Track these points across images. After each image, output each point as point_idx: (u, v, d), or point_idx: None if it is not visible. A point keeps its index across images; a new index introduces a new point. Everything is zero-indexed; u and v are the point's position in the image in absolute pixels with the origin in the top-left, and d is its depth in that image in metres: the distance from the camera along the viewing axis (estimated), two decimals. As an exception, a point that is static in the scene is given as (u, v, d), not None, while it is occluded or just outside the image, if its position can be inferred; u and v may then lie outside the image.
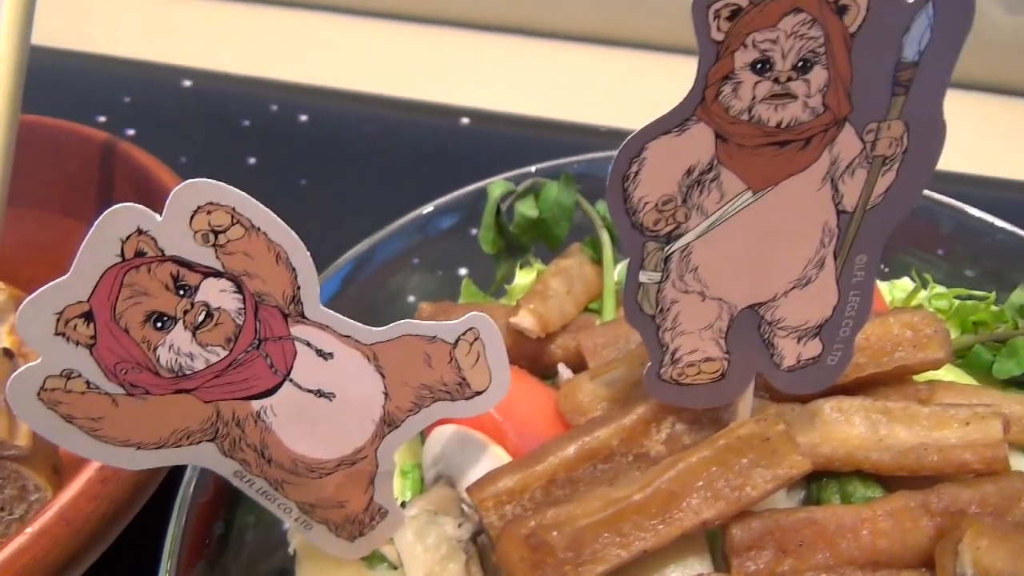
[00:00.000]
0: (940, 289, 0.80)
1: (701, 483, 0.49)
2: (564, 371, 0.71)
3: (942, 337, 0.60)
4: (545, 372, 0.75)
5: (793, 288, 0.50)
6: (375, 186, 1.36)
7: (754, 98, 0.43)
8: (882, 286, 0.85)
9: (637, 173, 0.46)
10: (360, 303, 0.90)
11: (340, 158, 1.40)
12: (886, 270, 0.92)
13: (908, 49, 0.41)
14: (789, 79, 0.42)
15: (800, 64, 0.42)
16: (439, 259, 0.96)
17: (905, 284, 0.84)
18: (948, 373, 0.71)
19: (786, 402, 0.60)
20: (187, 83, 1.57)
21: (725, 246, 0.48)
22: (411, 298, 0.98)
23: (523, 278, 0.84)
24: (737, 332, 0.52)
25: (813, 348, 0.52)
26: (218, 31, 1.75)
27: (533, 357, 0.74)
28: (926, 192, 0.93)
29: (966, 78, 1.40)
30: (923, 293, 0.81)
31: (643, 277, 0.50)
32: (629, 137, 0.45)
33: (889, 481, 0.56)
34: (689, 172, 0.46)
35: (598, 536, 0.48)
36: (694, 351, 0.52)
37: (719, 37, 0.41)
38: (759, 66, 0.42)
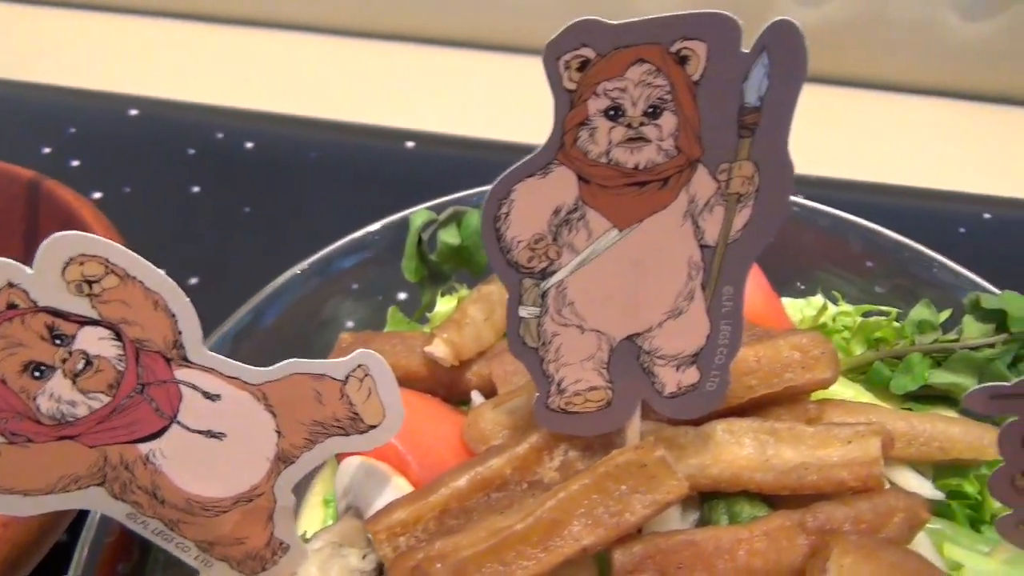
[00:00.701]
0: (846, 307, 0.83)
1: (582, 510, 0.51)
2: (477, 398, 0.73)
3: (830, 358, 0.63)
4: (462, 399, 0.76)
5: (667, 319, 0.52)
6: (320, 212, 1.37)
7: (610, 142, 0.45)
8: (796, 303, 0.88)
9: (507, 214, 0.48)
10: (295, 331, 0.91)
11: (285, 184, 1.41)
12: (802, 287, 0.95)
13: (749, 95, 0.43)
14: (641, 124, 0.44)
15: (650, 110, 0.44)
16: (374, 285, 0.98)
17: (817, 302, 0.87)
18: (848, 390, 0.74)
19: (683, 424, 0.62)
20: (133, 112, 1.57)
21: (598, 281, 0.50)
22: (350, 323, 0.99)
23: (444, 306, 0.85)
24: (618, 362, 0.54)
25: (691, 375, 0.54)
26: (165, 57, 1.75)
27: (450, 384, 0.76)
28: (840, 213, 0.97)
29: (926, 84, 1.45)
30: (833, 309, 0.84)
31: (523, 312, 0.52)
32: (497, 180, 0.47)
33: (775, 500, 0.58)
34: (556, 212, 0.48)
35: (481, 566, 0.49)
36: (578, 381, 0.54)
37: (571, 86, 0.43)
38: (612, 113, 0.44)
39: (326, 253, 0.92)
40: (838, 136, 1.42)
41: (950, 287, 0.83)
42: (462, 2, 1.60)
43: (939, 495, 0.62)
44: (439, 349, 0.73)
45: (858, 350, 0.79)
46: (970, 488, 0.63)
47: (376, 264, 0.94)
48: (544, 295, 0.51)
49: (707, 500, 0.60)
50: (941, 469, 0.64)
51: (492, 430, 0.63)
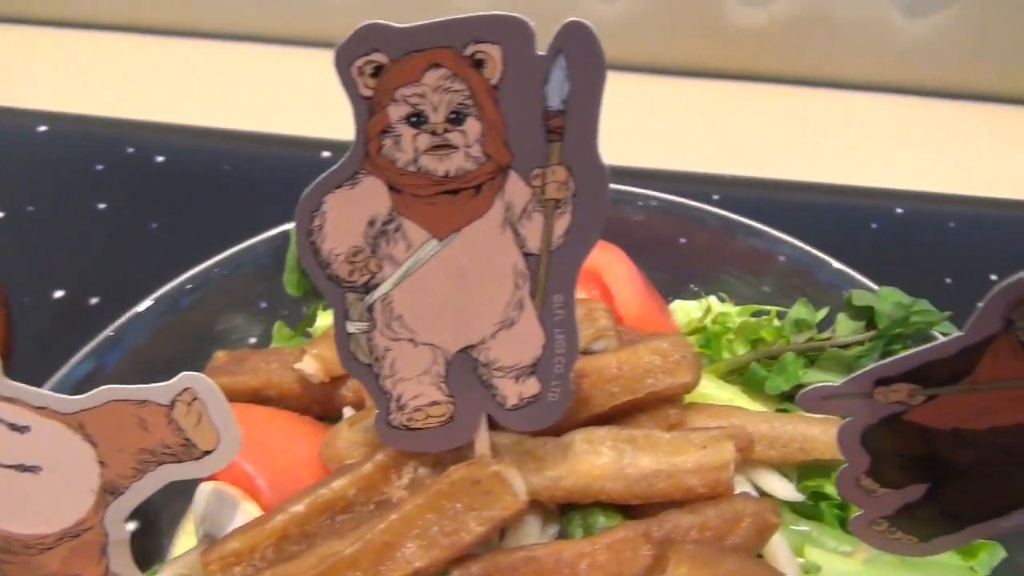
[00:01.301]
0: (730, 307, 0.83)
1: (416, 531, 0.49)
2: (348, 415, 0.71)
3: (690, 362, 0.62)
4: (338, 416, 0.74)
5: (499, 330, 0.50)
6: (232, 224, 1.34)
7: (417, 150, 0.44)
8: (686, 306, 0.87)
9: (321, 227, 0.46)
10: (196, 344, 0.89)
11: (196, 198, 1.37)
12: (696, 289, 0.95)
13: (552, 98, 0.42)
14: (446, 131, 0.43)
15: (453, 116, 0.43)
16: (275, 299, 0.95)
17: (711, 304, 0.86)
18: (724, 392, 0.73)
19: (544, 436, 0.61)
20: (42, 128, 1.52)
21: (423, 293, 0.48)
22: (252, 340, 0.97)
23: (325, 320, 0.83)
24: (456, 375, 0.52)
25: (532, 387, 0.53)
26: (76, 71, 1.70)
27: (324, 401, 0.73)
28: (731, 215, 0.97)
29: (872, 82, 1.46)
30: (717, 310, 0.83)
31: (350, 327, 0.50)
32: (305, 192, 0.45)
33: (632, 510, 0.57)
34: (372, 223, 0.46)
35: (307, 594, 0.47)
36: (418, 396, 0.53)
37: (368, 93, 0.42)
38: (414, 119, 0.43)
39: (210, 265, 0.90)
40: (785, 135, 1.43)
41: (832, 287, 0.83)
42: (376, 11, 1.58)
43: (799, 497, 0.61)
44: (308, 365, 0.70)
45: (741, 351, 0.78)
46: (831, 489, 0.62)
47: (262, 278, 0.92)
48: (370, 309, 0.49)
49: (565, 513, 0.58)
50: (807, 470, 0.64)
51: (348, 449, 0.60)
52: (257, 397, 0.73)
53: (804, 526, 0.63)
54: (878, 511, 0.54)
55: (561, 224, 0.47)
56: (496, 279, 0.48)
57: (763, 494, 0.63)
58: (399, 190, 0.45)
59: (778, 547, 0.57)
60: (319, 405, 0.74)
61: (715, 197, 1.26)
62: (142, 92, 1.63)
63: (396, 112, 0.42)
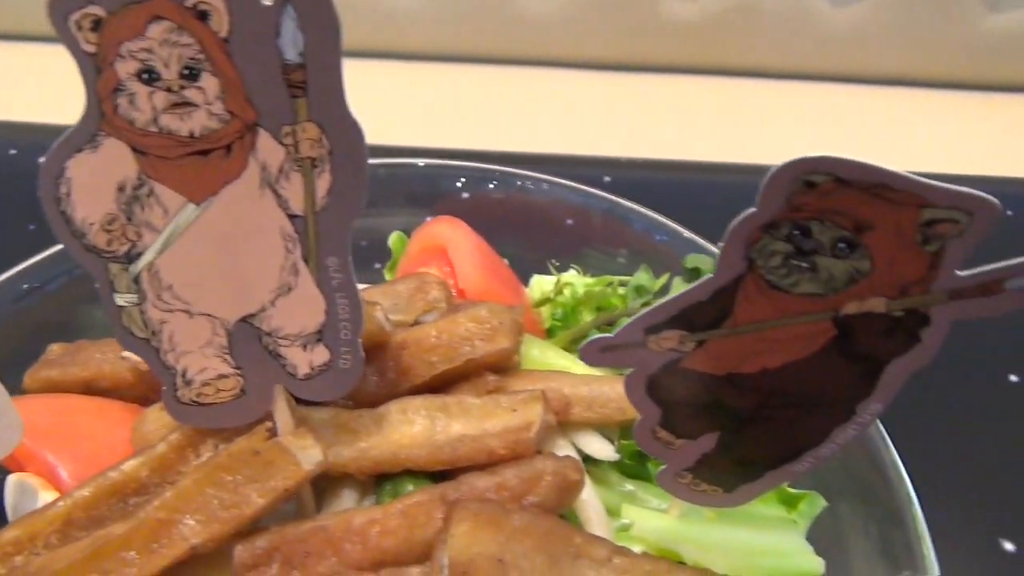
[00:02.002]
0: (582, 279, 0.83)
1: (195, 507, 0.48)
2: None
3: (508, 327, 0.62)
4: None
5: (278, 296, 0.49)
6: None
7: (155, 109, 0.42)
8: (542, 281, 0.87)
9: (68, 194, 0.44)
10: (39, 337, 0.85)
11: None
12: (557, 264, 0.95)
13: (287, 51, 0.41)
14: (182, 88, 0.42)
15: (186, 72, 0.41)
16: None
17: (567, 278, 0.87)
18: (565, 360, 0.73)
19: (361, 408, 0.60)
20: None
21: (189, 260, 0.47)
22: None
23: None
24: (240, 346, 0.51)
25: (322, 354, 0.52)
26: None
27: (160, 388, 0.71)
28: (588, 188, 0.98)
29: (802, 70, 1.48)
30: (571, 282, 0.83)
31: (120, 300, 0.48)
32: (45, 156, 0.43)
33: (445, 477, 0.57)
34: (122, 189, 0.45)
35: (77, 578, 0.45)
36: (204, 370, 0.51)
37: (91, 49, 0.40)
38: (145, 76, 0.41)
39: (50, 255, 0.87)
40: (721, 124, 1.44)
41: (683, 255, 0.84)
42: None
43: (616, 456, 0.61)
44: (133, 356, 0.68)
45: (588, 319, 0.79)
46: (650, 447, 0.63)
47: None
48: (137, 280, 0.47)
49: (379, 484, 0.58)
50: (630, 430, 0.64)
51: (156, 431, 0.58)
52: (90, 388, 0.71)
53: (630, 486, 0.63)
54: (679, 463, 0.55)
55: (323, 184, 0.46)
56: (264, 243, 0.47)
57: (587, 458, 0.63)
58: (144, 152, 0.43)
59: (587, 505, 0.57)
60: (156, 393, 0.71)
61: (606, 179, 1.27)
62: (24, 96, 1.57)
63: (125, 69, 0.41)
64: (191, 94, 0.42)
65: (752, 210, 0.40)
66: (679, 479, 0.56)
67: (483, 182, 0.98)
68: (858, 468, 0.65)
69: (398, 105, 1.46)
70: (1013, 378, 1.03)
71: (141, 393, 0.72)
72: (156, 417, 0.59)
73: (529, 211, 1.01)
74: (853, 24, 1.42)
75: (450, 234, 0.80)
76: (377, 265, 0.93)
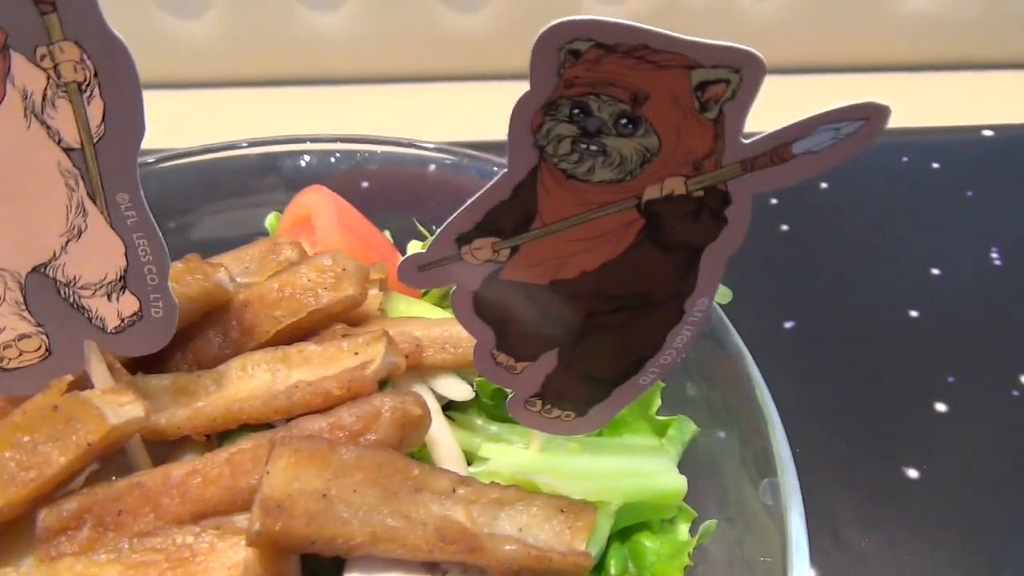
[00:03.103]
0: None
1: (-10, 471, 0.44)
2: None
3: (352, 274, 0.59)
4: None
5: (68, 241, 0.46)
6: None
7: None
8: (416, 245, 0.85)
9: None
10: None
11: None
12: (436, 228, 0.94)
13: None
14: (-86, 10, 0.39)
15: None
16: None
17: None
18: (431, 312, 0.71)
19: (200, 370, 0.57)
20: None
21: (-39, 207, 0.44)
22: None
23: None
24: (38, 301, 0.48)
25: (130, 303, 0.49)
26: None
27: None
28: (470, 151, 0.97)
29: None
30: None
31: None
32: None
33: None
34: None
35: None
36: (2, 331, 0.48)
37: None
38: None
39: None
40: None
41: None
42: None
43: (471, 394, 0.59)
44: None
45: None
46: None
47: None
48: (-92, 233, 0.44)
49: (221, 443, 0.55)
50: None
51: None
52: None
53: (495, 428, 0.61)
54: (526, 388, 0.53)
55: (95, 111, 0.43)
56: (41, 182, 0.44)
57: (450, 404, 0.61)
58: None
59: (438, 443, 0.55)
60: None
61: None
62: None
63: None
64: (-77, 17, 0.39)
65: (527, 90, 0.39)
66: (529, 407, 0.54)
67: (367, 158, 0.96)
68: (727, 394, 0.64)
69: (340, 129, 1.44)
70: (913, 313, 1.05)
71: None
72: (-25, 396, 0.56)
73: (420, 185, 1.00)
74: (774, 16, 1.45)
75: (313, 200, 0.77)
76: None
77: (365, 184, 1.00)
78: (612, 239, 0.45)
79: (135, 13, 1.32)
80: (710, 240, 0.44)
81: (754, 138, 0.39)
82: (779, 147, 0.40)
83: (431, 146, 0.97)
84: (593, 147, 0.40)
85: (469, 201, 0.44)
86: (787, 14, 1.45)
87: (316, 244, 0.74)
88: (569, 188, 0.42)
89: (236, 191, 0.98)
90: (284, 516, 0.42)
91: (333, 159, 0.95)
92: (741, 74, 0.37)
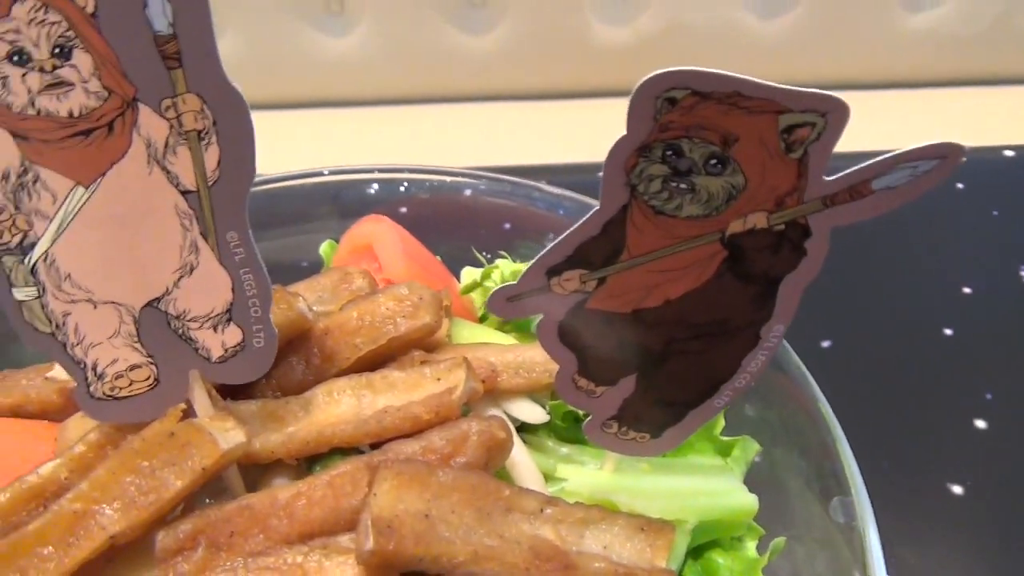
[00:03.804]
0: (511, 265, 0.84)
1: (112, 496, 0.47)
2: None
3: (429, 303, 0.62)
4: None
5: (181, 277, 0.49)
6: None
7: (30, 91, 0.42)
8: (471, 271, 0.88)
9: (-50, 187, 0.44)
10: None
11: None
12: (488, 256, 0.97)
13: (156, 22, 0.42)
14: (54, 67, 0.42)
15: (57, 50, 0.42)
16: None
17: (500, 263, 0.88)
18: (500, 339, 0.73)
19: (289, 396, 0.60)
20: None
21: (86, 246, 0.47)
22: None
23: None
24: (150, 333, 0.51)
25: (234, 335, 0.52)
26: None
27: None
28: (515, 179, 1.00)
29: None
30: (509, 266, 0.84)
31: (19, 295, 0.48)
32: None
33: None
34: (5, 178, 0.44)
35: (-11, 578, 0.44)
36: (115, 361, 0.51)
37: (-45, 35, 0.41)
38: (16, 58, 0.42)
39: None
40: None
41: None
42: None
43: (545, 418, 0.62)
44: (59, 372, 0.67)
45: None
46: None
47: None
48: (34, 272, 0.47)
49: (310, 467, 0.57)
50: (559, 393, 0.65)
51: (77, 438, 0.58)
52: (17, 415, 0.69)
53: (566, 449, 0.63)
54: (603, 412, 0.55)
55: (211, 157, 0.46)
56: (159, 222, 0.47)
57: (522, 426, 0.63)
58: (24, 137, 0.43)
59: (520, 466, 0.57)
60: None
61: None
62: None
63: (-3, 53, 0.41)
64: (65, 73, 0.42)
65: (623, 135, 0.42)
66: (606, 429, 0.56)
67: (413, 185, 0.99)
68: (789, 413, 0.66)
69: (355, 152, 1.46)
70: (948, 332, 1.07)
71: (70, 414, 0.71)
72: (77, 424, 0.58)
73: (463, 211, 1.03)
74: (780, 35, 1.47)
75: (375, 230, 0.80)
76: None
77: (407, 210, 1.03)
78: (695, 270, 0.47)
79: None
80: (789, 271, 0.47)
81: (836, 176, 0.42)
82: (859, 184, 0.42)
83: (472, 173, 1.00)
84: (683, 185, 0.43)
85: (560, 237, 0.46)
86: (793, 33, 1.47)
87: (379, 271, 0.77)
88: (657, 223, 0.45)
89: (289, 219, 1.01)
90: (395, 536, 0.44)
91: (372, 189, 0.98)
92: (827, 118, 0.40)
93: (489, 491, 0.50)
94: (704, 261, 0.47)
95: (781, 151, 0.41)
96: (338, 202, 0.96)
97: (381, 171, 1.02)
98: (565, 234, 0.46)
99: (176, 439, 0.48)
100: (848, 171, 0.42)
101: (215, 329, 0.51)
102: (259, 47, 1.40)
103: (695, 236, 0.46)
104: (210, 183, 0.47)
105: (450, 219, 1.02)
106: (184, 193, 0.47)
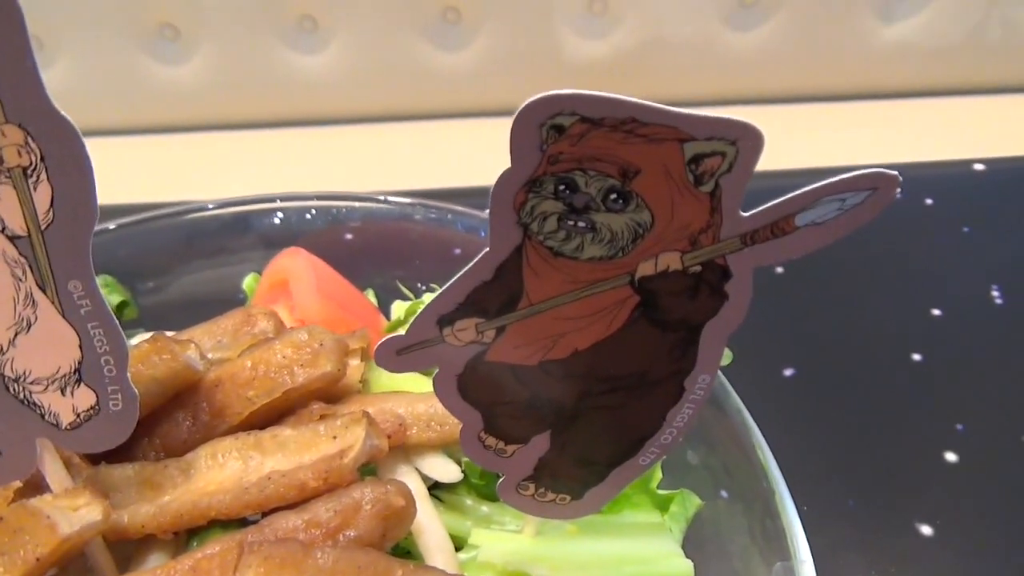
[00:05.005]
0: (428, 297, 0.78)
1: (-72, 593, 0.40)
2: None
3: (330, 349, 0.56)
4: None
5: (17, 334, 0.43)
6: None
7: None
8: (403, 305, 0.82)
9: None
10: None
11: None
12: (423, 287, 0.91)
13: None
14: None
15: None
16: None
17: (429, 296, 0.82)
18: (418, 382, 0.67)
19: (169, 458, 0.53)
20: None
21: (-102, 303, 0.41)
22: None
23: None
24: (-14, 398, 0.44)
25: (86, 397, 0.45)
26: None
27: None
28: (450, 205, 0.94)
29: (712, 96, 1.48)
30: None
31: None
32: None
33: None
34: None
35: None
36: (-53, 431, 0.44)
37: None
38: None
39: None
40: None
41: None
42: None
43: (459, 476, 0.56)
44: None
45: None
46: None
47: None
48: None
49: (188, 541, 0.51)
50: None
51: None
52: None
53: (486, 508, 0.57)
54: (517, 472, 0.49)
55: (42, 196, 0.40)
56: (-17, 273, 0.41)
57: (437, 484, 0.57)
58: None
59: (426, 533, 0.51)
60: None
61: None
62: None
63: None
64: None
65: (507, 168, 0.36)
66: (521, 491, 0.50)
67: (332, 213, 0.93)
68: (733, 461, 0.60)
69: (326, 172, 1.41)
70: (916, 357, 1.02)
71: None
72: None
73: (406, 238, 0.97)
74: (755, 48, 1.45)
75: (289, 265, 0.74)
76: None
77: (348, 237, 0.97)
78: (605, 317, 0.41)
79: (119, 59, 1.30)
80: (709, 316, 0.41)
81: (754, 211, 0.36)
82: (780, 220, 0.37)
83: (409, 201, 0.95)
84: (581, 224, 0.37)
85: (450, 282, 0.40)
86: (771, 45, 1.44)
87: (295, 310, 0.71)
88: (557, 266, 0.39)
89: (213, 251, 0.95)
90: (253, 637, 0.38)
91: (309, 215, 0.92)
92: (737, 146, 0.34)
93: (378, 572, 0.44)
94: (613, 308, 0.41)
95: (689, 184, 0.36)
96: (261, 231, 0.90)
97: (319, 198, 0.96)
98: (454, 279, 0.40)
99: (6, 525, 0.41)
100: (767, 205, 0.36)
101: (63, 392, 0.45)
102: (231, 66, 1.35)
103: (601, 280, 0.40)
104: (43, 227, 0.40)
105: (389, 249, 0.96)
106: (12, 239, 0.41)
